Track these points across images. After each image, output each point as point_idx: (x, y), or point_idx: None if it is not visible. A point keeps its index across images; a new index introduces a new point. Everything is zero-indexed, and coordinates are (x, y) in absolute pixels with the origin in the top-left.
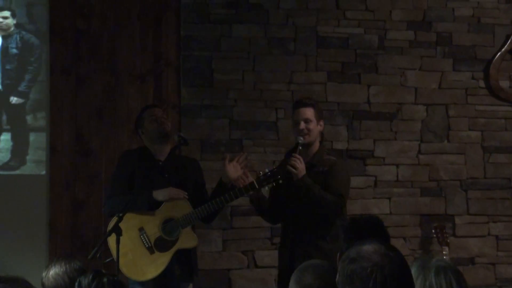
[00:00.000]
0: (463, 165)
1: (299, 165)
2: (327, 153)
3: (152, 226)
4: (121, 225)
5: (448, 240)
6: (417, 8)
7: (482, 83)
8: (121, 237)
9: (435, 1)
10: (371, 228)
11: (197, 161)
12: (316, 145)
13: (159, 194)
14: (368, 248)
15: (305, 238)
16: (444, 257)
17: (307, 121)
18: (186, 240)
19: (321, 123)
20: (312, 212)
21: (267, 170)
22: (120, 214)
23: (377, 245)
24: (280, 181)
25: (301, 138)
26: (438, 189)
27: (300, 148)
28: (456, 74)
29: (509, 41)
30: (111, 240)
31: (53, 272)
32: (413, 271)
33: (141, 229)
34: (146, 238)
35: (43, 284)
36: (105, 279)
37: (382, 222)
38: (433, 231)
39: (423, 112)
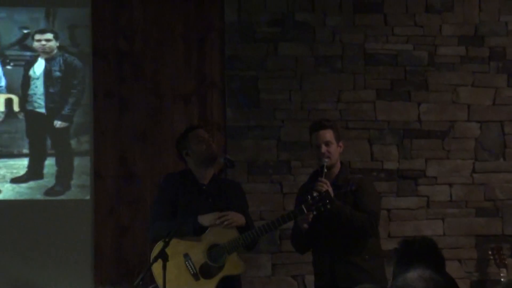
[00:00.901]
0: None
1: (329, 189)
2: (350, 172)
3: (198, 252)
4: (166, 251)
5: (506, 262)
6: (468, 23)
7: None
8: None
9: (487, 15)
10: (425, 250)
11: (240, 184)
12: (338, 166)
13: (204, 219)
14: (413, 274)
15: (344, 260)
16: (502, 280)
17: (327, 143)
18: (232, 266)
19: (341, 144)
20: (347, 233)
21: (315, 194)
22: (166, 239)
23: (422, 270)
24: (329, 206)
25: (326, 160)
26: (494, 209)
27: (326, 171)
28: (511, 90)
29: None
30: (156, 266)
31: None
32: None
33: (186, 255)
34: (191, 265)
35: None
36: None
37: (436, 244)
38: (490, 252)
39: (477, 130)
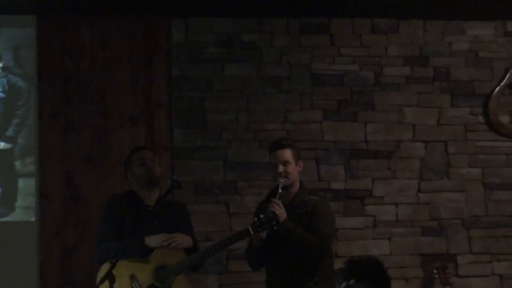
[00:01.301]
0: (464, 203)
1: (278, 211)
2: (308, 193)
3: (144, 273)
4: (113, 272)
5: (450, 281)
6: (413, 43)
7: (481, 119)
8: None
9: (432, 35)
10: (370, 270)
11: (185, 206)
12: (296, 186)
13: (151, 241)
14: None
15: (293, 281)
16: None
17: (285, 163)
18: (180, 287)
19: (300, 163)
20: (298, 255)
21: (261, 216)
22: (113, 261)
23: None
24: (275, 228)
25: (281, 180)
26: (439, 228)
27: (280, 191)
28: (455, 110)
29: (508, 75)
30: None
31: None
32: None
33: (132, 277)
34: (138, 286)
35: None
36: None
37: (381, 263)
38: (435, 271)
39: (422, 149)
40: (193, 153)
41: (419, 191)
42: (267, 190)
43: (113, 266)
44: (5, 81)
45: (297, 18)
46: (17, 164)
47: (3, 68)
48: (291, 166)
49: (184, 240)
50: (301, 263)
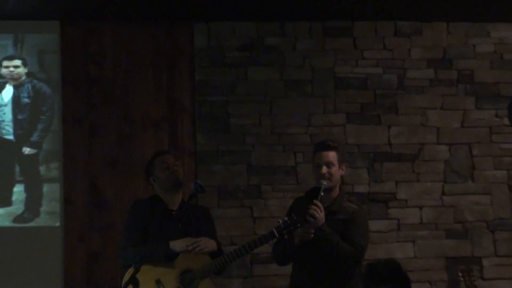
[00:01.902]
0: (489, 205)
1: (319, 215)
2: (347, 199)
3: (170, 278)
4: (138, 277)
5: (476, 283)
6: (437, 46)
7: (506, 121)
8: None
9: (455, 38)
10: (390, 272)
11: (208, 209)
12: (337, 190)
13: (176, 245)
14: None
15: (325, 286)
16: None
17: (329, 165)
18: None
19: (343, 167)
20: (329, 261)
21: (286, 218)
22: (137, 265)
23: None
24: (299, 230)
25: (325, 183)
26: (463, 231)
27: (322, 194)
28: (479, 112)
29: None
30: None
31: None
32: None
33: (158, 282)
34: None
35: None
36: None
37: (400, 266)
38: (460, 274)
39: (446, 152)
40: (216, 157)
41: (443, 193)
42: (290, 193)
43: (137, 270)
44: (30, 87)
45: (320, 22)
46: (42, 169)
47: (28, 74)
48: (335, 168)
49: (209, 243)
50: (331, 270)
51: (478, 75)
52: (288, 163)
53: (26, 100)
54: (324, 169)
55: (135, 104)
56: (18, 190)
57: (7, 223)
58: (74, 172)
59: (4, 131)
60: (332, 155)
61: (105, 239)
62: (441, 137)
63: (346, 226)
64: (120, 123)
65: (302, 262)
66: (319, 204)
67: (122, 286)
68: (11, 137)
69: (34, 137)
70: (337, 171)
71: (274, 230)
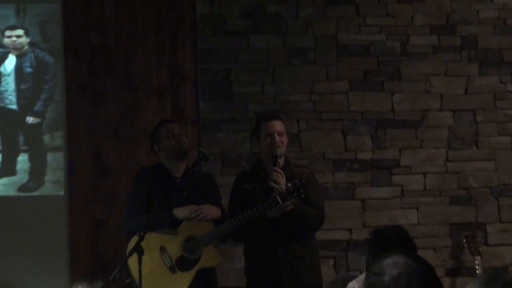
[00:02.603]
0: (493, 171)
1: (281, 180)
2: (294, 164)
3: (174, 245)
4: (142, 245)
5: (480, 249)
6: (440, 12)
7: (510, 87)
8: (142, 257)
9: (459, 3)
10: (396, 239)
11: (212, 176)
12: (283, 159)
13: (179, 213)
14: (388, 261)
15: (289, 252)
16: (476, 267)
17: (280, 133)
18: (209, 258)
19: (287, 136)
20: (293, 226)
21: (289, 185)
22: (141, 233)
23: (397, 257)
24: (303, 196)
25: (279, 150)
26: (468, 197)
27: (280, 161)
28: (483, 78)
29: None
30: (132, 260)
31: None
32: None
33: (162, 249)
34: (168, 258)
35: None
36: None
37: (407, 232)
38: (464, 240)
39: (450, 119)
40: (219, 125)
41: (447, 160)
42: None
43: (141, 238)
44: (32, 56)
45: None
46: (46, 138)
47: (30, 44)
48: (284, 137)
49: (212, 211)
50: (294, 234)
51: (481, 41)
52: (291, 130)
53: (29, 69)
54: (277, 137)
55: (137, 73)
56: (23, 160)
57: (12, 192)
58: (78, 141)
59: (7, 101)
60: (280, 125)
61: (109, 207)
62: (444, 103)
63: (305, 189)
64: (123, 92)
65: (264, 235)
66: (279, 170)
67: (127, 254)
68: (14, 106)
69: (38, 107)
70: (286, 140)
71: (277, 196)
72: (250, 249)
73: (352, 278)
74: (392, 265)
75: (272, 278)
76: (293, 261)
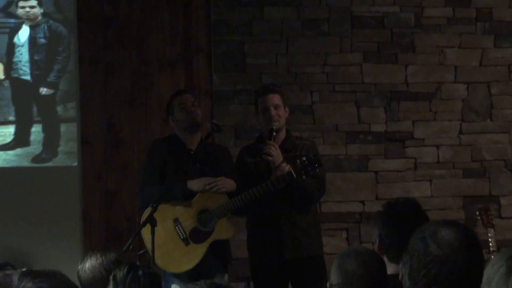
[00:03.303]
0: (507, 144)
1: (275, 152)
2: (297, 138)
3: (187, 217)
4: (156, 216)
5: (493, 222)
6: None
7: None
8: (155, 229)
9: None
10: (409, 211)
11: (227, 148)
12: (283, 132)
13: (194, 184)
14: (446, 234)
15: (290, 223)
16: (490, 240)
17: (276, 107)
18: (222, 231)
19: (287, 109)
20: (294, 197)
21: (304, 158)
22: (154, 205)
23: (456, 233)
24: (317, 170)
25: (275, 124)
26: (481, 170)
27: (275, 134)
28: (498, 51)
29: None
30: (145, 231)
31: (89, 264)
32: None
33: (175, 220)
34: (181, 230)
35: (79, 277)
36: (140, 272)
37: (420, 205)
38: (477, 213)
39: (464, 91)
40: (232, 97)
41: (460, 132)
42: (307, 133)
43: (154, 210)
44: (46, 27)
45: None
46: (59, 109)
47: (44, 14)
48: (281, 110)
49: (227, 183)
50: (295, 205)
51: (496, 13)
52: (304, 102)
53: (42, 40)
54: (273, 111)
55: (151, 44)
56: (36, 130)
57: (25, 163)
58: (91, 112)
59: (21, 72)
60: (277, 98)
61: (122, 178)
62: (459, 75)
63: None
64: (136, 63)
65: (265, 206)
66: (272, 142)
67: (140, 225)
68: (28, 77)
69: (51, 78)
70: (284, 113)
71: (291, 170)
72: (252, 221)
73: (365, 250)
74: (452, 240)
75: (274, 248)
76: (295, 231)
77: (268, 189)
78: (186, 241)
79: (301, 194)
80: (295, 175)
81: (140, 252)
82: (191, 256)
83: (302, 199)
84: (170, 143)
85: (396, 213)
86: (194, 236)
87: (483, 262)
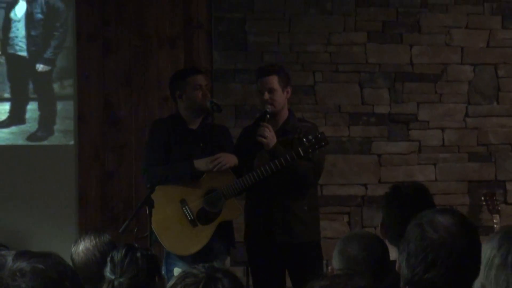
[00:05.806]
0: None
1: (268, 134)
2: (300, 120)
3: (194, 198)
4: (162, 198)
5: (499, 208)
6: None
7: None
8: (162, 210)
9: None
10: (414, 196)
11: (227, 128)
12: (285, 113)
13: (200, 164)
14: (443, 219)
15: (282, 206)
16: (495, 226)
17: (271, 90)
18: (230, 211)
19: (288, 90)
20: (287, 179)
21: (310, 137)
22: (148, 186)
23: (452, 218)
24: (324, 148)
25: (269, 107)
26: (487, 154)
27: (268, 116)
28: (506, 32)
29: None
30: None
31: (83, 246)
32: (495, 241)
33: (182, 201)
34: (188, 211)
35: (72, 260)
36: (138, 254)
37: (426, 189)
38: (483, 198)
39: (470, 73)
40: (233, 75)
41: (466, 115)
42: (309, 113)
43: (152, 191)
44: (43, 2)
45: None
46: (56, 86)
47: None
48: (277, 93)
49: (229, 158)
50: (289, 188)
51: None
52: (306, 82)
53: (39, 16)
54: (266, 95)
55: (150, 21)
56: (32, 108)
57: (20, 141)
58: (88, 90)
59: (17, 47)
60: (273, 80)
61: (119, 158)
62: (465, 57)
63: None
64: (135, 40)
65: (258, 187)
66: (266, 124)
67: (138, 206)
68: (24, 53)
69: (48, 54)
70: (281, 95)
71: (299, 149)
72: (247, 204)
73: (367, 234)
74: (447, 227)
75: (266, 232)
76: (286, 216)
77: (276, 168)
78: (193, 223)
79: (294, 177)
80: (302, 154)
81: (146, 234)
82: (199, 238)
83: (295, 183)
84: (172, 122)
85: (401, 196)
86: (202, 217)
87: (480, 247)
